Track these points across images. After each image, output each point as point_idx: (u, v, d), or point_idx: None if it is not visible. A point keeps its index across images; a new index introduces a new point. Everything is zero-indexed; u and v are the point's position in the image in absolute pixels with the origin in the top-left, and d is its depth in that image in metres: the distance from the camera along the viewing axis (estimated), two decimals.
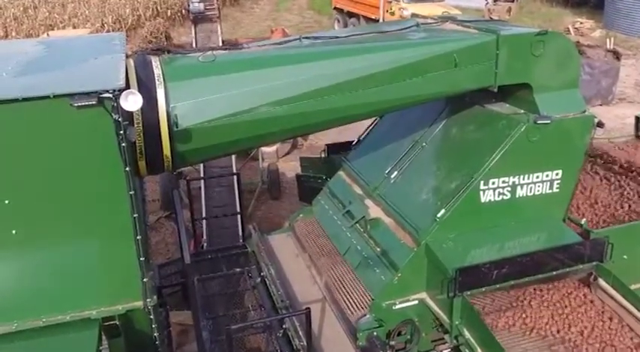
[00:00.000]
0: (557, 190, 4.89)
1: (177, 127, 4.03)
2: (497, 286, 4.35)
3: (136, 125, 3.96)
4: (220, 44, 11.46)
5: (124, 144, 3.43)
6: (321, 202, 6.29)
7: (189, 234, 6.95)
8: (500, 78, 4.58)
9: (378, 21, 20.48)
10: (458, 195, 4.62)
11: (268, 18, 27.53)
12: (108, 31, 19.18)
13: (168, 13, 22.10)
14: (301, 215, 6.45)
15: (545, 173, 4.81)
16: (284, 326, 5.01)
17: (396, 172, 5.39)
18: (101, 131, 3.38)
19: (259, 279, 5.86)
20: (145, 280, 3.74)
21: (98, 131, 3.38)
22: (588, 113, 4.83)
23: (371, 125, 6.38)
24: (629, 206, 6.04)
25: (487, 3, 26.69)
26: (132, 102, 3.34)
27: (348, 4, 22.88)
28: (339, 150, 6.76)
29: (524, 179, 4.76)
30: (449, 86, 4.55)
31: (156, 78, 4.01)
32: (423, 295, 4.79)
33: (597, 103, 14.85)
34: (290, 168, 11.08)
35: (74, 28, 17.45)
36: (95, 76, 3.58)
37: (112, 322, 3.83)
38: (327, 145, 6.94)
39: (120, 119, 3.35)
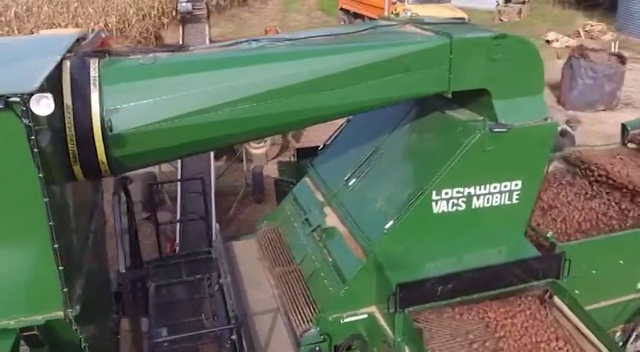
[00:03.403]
0: (517, 201, 4.66)
1: (111, 132, 3.90)
2: (443, 303, 4.14)
3: (67, 129, 3.85)
4: (208, 44, 11.36)
5: (36, 150, 3.29)
6: (284, 208, 6.12)
7: (165, 236, 6.82)
8: (455, 83, 4.36)
9: None
10: (408, 205, 4.41)
11: (276, 18, 27.44)
12: (111, 31, 19.27)
13: (174, 13, 22.06)
14: (265, 221, 6.30)
15: (504, 183, 4.58)
16: (232, 337, 4.85)
17: (354, 179, 5.20)
18: (12, 136, 3.24)
19: (217, 287, 5.71)
20: (64, 290, 3.60)
21: (9, 136, 3.25)
22: (551, 121, 4.58)
23: (338, 129, 6.19)
24: (607, 218, 5.80)
25: (497, 4, 26.36)
26: (43, 106, 3.19)
27: (354, 5, 22.70)
28: (308, 154, 6.59)
29: (480, 189, 4.53)
30: (399, 91, 4.34)
31: (91, 81, 3.89)
32: (373, 309, 4.58)
33: (600, 108, 14.49)
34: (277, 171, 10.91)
35: (77, 26, 17.53)
36: (11, 79, 3.45)
37: (32, 332, 3.70)
38: (297, 149, 6.77)
39: (31, 124, 3.21)
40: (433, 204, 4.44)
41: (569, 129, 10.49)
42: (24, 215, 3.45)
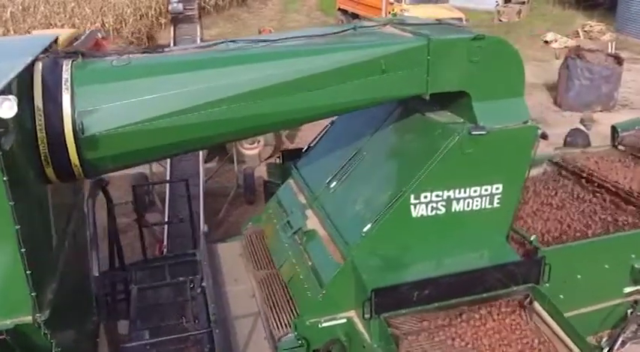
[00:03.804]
0: (498, 205, 4.59)
1: (83, 134, 3.85)
2: (420, 308, 4.08)
3: (39, 131, 3.81)
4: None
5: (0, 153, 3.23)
6: (268, 210, 6.07)
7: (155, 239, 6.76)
8: (433, 85, 4.29)
9: None
10: (386, 208, 4.36)
11: (275, 18, 27.36)
12: (108, 31, 19.24)
13: None
14: (250, 223, 6.26)
15: (484, 187, 4.52)
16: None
17: (335, 182, 5.14)
18: None
19: (199, 290, 5.66)
20: (32, 294, 3.55)
21: None
22: (531, 123, 4.51)
23: (322, 130, 6.14)
24: (594, 222, 5.73)
25: (497, 5, 26.26)
26: (6, 108, 3.14)
27: (352, 5, 22.65)
28: (294, 156, 6.53)
29: (460, 193, 4.47)
30: (376, 93, 4.28)
31: (63, 82, 3.84)
32: (352, 314, 4.52)
33: (597, 109, 14.39)
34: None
35: (73, 26, 17.51)
36: None
37: (1, 336, 3.66)
38: (282, 151, 6.72)
39: None
40: (412, 207, 4.38)
41: (583, 127, 10.35)
42: None
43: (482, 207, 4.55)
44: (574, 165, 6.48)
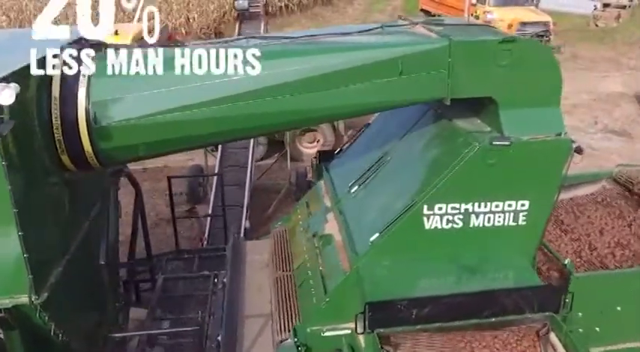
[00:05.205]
0: (524, 223, 4.21)
1: (96, 124, 3.94)
2: (419, 327, 3.81)
3: (54, 119, 3.93)
4: None
5: None
6: (297, 211, 5.97)
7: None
8: (454, 89, 4.00)
9: None
10: (396, 218, 4.12)
11: (359, 18, 27.19)
12: (192, 26, 19.94)
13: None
14: (280, 222, 6.18)
15: (508, 202, 4.15)
16: (218, 338, 4.78)
17: (356, 186, 4.94)
18: None
19: (220, 285, 5.67)
20: (30, 276, 3.66)
21: None
22: (564, 136, 4.10)
23: (357, 133, 5.96)
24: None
25: (595, 8, 24.62)
26: (6, 95, 3.26)
27: (434, 6, 22.12)
28: (329, 157, 6.38)
29: (480, 207, 4.14)
30: (392, 96, 4.04)
31: (80, 73, 3.94)
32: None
33: None
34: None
35: (160, 22, 18.20)
36: None
37: (1, 314, 3.79)
38: (319, 152, 6.59)
39: None
40: (424, 219, 4.11)
41: None
42: None
43: (505, 224, 4.20)
44: (637, 183, 5.89)
